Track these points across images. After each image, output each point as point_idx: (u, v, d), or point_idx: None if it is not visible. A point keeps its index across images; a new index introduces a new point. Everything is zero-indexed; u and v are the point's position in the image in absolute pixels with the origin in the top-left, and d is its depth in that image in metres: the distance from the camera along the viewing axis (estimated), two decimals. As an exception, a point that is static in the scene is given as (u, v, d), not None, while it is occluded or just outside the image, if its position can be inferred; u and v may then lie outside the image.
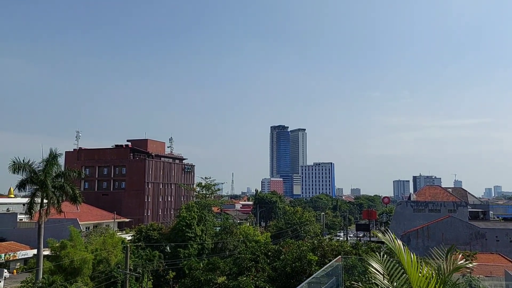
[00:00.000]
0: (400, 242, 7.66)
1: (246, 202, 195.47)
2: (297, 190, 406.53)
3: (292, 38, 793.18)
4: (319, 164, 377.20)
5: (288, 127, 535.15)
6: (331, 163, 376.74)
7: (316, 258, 24.32)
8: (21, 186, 41.42)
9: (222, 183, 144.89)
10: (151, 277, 49.92)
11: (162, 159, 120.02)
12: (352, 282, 18.56)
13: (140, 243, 58.83)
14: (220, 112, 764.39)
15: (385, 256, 8.43)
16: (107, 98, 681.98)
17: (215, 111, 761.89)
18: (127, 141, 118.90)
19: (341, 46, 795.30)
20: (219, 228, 71.47)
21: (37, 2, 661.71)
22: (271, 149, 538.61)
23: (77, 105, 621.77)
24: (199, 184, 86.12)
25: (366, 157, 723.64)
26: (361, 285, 9.45)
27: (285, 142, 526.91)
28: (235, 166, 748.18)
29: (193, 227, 61.01)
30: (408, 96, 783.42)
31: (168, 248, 60.81)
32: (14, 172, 38.94)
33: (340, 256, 18.32)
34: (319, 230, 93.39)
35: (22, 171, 39.57)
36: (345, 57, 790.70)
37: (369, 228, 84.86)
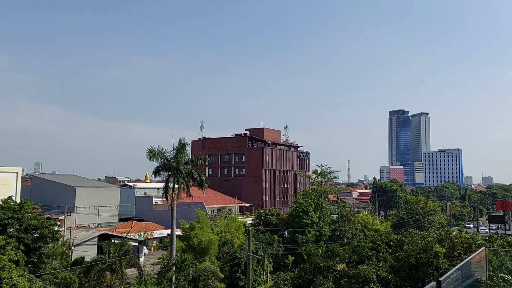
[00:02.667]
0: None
1: (364, 191, 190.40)
2: (419, 178, 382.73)
3: (414, 15, 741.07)
4: (444, 151, 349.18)
5: (408, 111, 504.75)
6: (458, 149, 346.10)
7: (444, 250, 22.82)
8: (156, 172, 45.91)
9: (338, 171, 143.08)
10: (271, 260, 51.79)
11: (278, 147, 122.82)
12: (502, 275, 17.10)
13: (259, 227, 61.29)
14: (332, 99, 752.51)
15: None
16: (227, 90, 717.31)
17: (328, 98, 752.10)
18: (245, 130, 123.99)
19: (469, 19, 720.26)
20: (336, 215, 70.97)
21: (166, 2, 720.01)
22: (390, 135, 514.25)
23: (201, 97, 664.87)
24: (315, 172, 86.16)
25: (499, 142, 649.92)
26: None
27: (405, 127, 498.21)
28: (351, 154, 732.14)
29: (309, 213, 61.59)
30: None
31: (286, 233, 62.40)
32: (150, 159, 43.42)
33: (483, 248, 16.96)
34: (445, 221, 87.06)
35: (157, 159, 43.91)
36: (475, 31, 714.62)
37: (504, 220, 76.53)
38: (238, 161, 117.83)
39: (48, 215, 59.95)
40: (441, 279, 8.33)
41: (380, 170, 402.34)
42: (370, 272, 22.36)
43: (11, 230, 34.62)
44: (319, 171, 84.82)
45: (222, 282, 38.05)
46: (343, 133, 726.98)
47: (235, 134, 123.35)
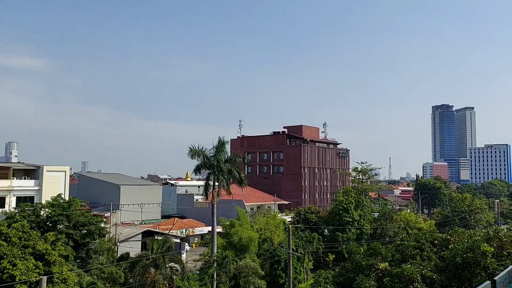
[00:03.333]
0: None
1: (406, 188, 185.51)
2: (464, 175, 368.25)
3: (465, 7, 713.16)
4: (491, 146, 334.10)
5: (452, 106, 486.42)
6: (507, 144, 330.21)
7: (492, 249, 21.92)
8: (196, 170, 46.72)
9: (379, 168, 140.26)
10: (311, 258, 51.51)
11: (317, 144, 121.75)
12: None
13: (299, 225, 61.11)
14: (372, 94, 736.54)
15: None
16: (264, 89, 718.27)
17: (368, 94, 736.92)
18: (283, 127, 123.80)
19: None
20: (378, 214, 69.58)
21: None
22: (433, 131, 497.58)
23: (238, 96, 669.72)
24: (355, 169, 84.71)
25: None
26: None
27: (449, 122, 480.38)
28: (393, 151, 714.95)
29: (350, 211, 60.74)
30: None
31: (326, 231, 61.86)
32: (192, 158, 44.26)
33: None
34: (493, 220, 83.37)
35: (198, 157, 44.69)
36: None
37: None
38: (276, 159, 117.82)
39: (94, 212, 62.27)
40: (496, 278, 8.05)
41: (423, 167, 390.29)
42: (414, 271, 21.82)
43: (60, 226, 36.29)
44: (359, 169, 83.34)
45: (263, 279, 38.26)
46: (384, 130, 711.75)
47: (273, 132, 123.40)
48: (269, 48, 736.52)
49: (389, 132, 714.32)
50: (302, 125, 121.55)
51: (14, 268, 23.06)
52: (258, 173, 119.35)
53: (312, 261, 52.10)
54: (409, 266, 22.82)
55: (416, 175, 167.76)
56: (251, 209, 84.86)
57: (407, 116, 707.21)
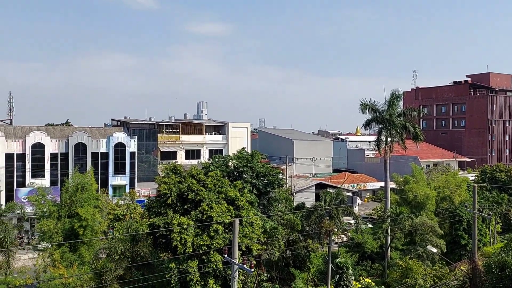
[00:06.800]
0: None
1: None
2: None
3: None
4: None
5: None
6: None
7: None
8: (367, 125, 46.08)
9: None
10: (499, 221, 46.68)
11: (508, 94, 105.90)
12: None
13: (484, 184, 55.53)
14: None
15: None
16: (443, 34, 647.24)
17: None
18: (466, 76, 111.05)
19: None
20: None
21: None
22: None
23: (411, 45, 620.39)
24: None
25: None
26: None
27: None
28: None
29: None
30: None
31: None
32: (362, 112, 43.77)
33: None
34: None
35: (368, 111, 43.91)
36: None
37: None
38: (457, 111, 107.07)
39: (272, 165, 67.55)
40: None
41: None
42: None
43: (245, 176, 40.60)
44: None
45: (441, 238, 36.49)
46: None
47: (454, 82, 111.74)
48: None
49: None
50: (489, 73, 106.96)
51: (212, 210, 26.98)
52: (435, 128, 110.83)
53: (501, 224, 47.19)
54: None
55: None
56: (426, 166, 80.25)
57: None
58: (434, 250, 34.68)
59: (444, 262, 35.53)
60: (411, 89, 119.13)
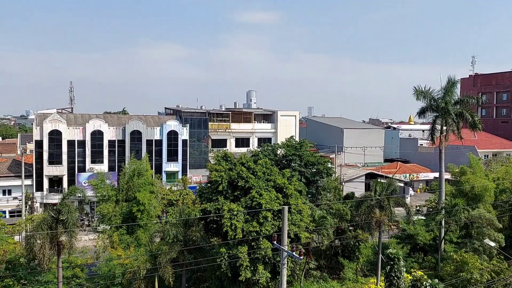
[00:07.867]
0: None
1: None
2: None
3: None
4: None
5: None
6: None
7: None
8: (421, 113, 44.25)
9: None
10: None
11: None
12: None
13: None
14: None
15: None
16: (504, 17, 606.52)
17: None
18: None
19: None
20: None
21: None
22: None
23: (470, 30, 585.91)
24: None
25: None
26: None
27: None
28: None
29: None
30: None
31: None
32: (417, 99, 42.08)
33: None
34: None
35: (423, 98, 42.16)
36: None
37: None
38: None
39: (321, 154, 67.06)
40: None
41: None
42: None
43: (294, 164, 40.63)
44: None
45: (500, 232, 34.87)
46: None
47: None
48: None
49: None
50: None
51: (261, 197, 27.36)
52: (494, 116, 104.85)
53: None
54: None
55: None
56: (485, 156, 76.42)
57: None
58: (492, 244, 33.24)
59: (502, 257, 34.00)
60: (469, 75, 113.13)
